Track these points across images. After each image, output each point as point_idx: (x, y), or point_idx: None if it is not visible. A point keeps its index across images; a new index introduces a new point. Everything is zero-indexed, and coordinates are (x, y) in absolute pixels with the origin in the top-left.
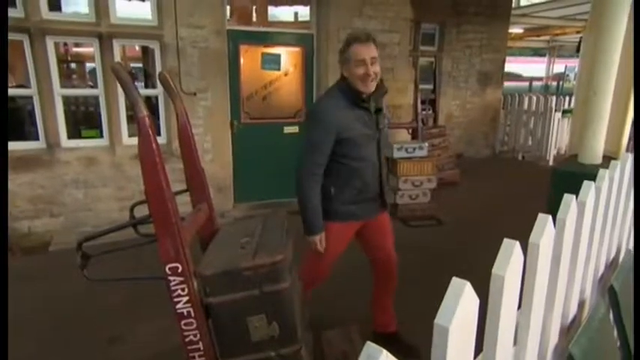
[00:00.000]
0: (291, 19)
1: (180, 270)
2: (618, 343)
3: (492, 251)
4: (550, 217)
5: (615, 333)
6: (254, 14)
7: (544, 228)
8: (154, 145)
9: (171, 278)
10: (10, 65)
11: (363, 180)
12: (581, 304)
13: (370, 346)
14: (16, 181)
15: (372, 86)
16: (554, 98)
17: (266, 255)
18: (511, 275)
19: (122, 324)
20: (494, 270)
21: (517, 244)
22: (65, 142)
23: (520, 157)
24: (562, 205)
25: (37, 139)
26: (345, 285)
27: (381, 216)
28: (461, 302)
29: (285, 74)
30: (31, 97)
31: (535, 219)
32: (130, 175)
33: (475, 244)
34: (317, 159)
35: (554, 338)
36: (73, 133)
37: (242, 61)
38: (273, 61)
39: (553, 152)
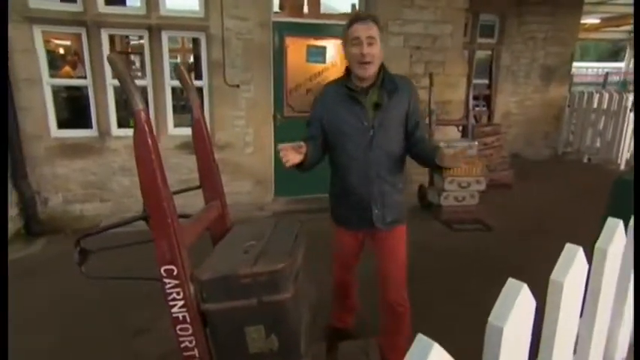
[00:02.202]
0: (348, 10)
1: (175, 273)
2: None
3: (542, 263)
4: (580, 250)
5: None
6: (305, 6)
7: (571, 263)
8: (149, 141)
9: (166, 281)
10: (80, 56)
11: (347, 178)
12: (632, 348)
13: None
14: (70, 167)
15: (369, 70)
16: (630, 96)
17: (267, 263)
18: (571, 283)
19: (148, 313)
20: (553, 277)
21: (580, 250)
22: (115, 130)
23: (586, 160)
24: (604, 231)
25: (90, 127)
26: (369, 293)
27: (383, 236)
28: (517, 303)
29: (332, 66)
30: (86, 87)
31: (598, 229)
32: (172, 164)
33: (524, 253)
34: (308, 131)
35: None
36: (122, 122)
37: (287, 53)
38: (318, 54)
39: (626, 156)
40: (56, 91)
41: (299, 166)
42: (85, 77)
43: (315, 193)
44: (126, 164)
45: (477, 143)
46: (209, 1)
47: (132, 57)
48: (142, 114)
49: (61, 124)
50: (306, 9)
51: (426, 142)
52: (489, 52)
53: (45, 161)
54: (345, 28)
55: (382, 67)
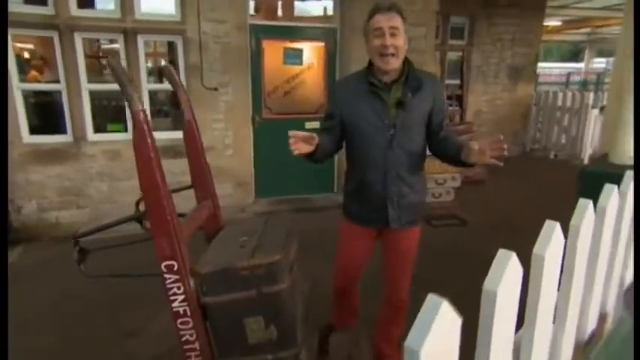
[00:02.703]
0: (321, 13)
1: (175, 268)
2: None
3: (518, 255)
4: (558, 225)
5: None
6: (279, 9)
7: (550, 237)
8: (149, 140)
9: (166, 276)
10: (47, 60)
11: (365, 176)
12: (602, 319)
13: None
14: (44, 173)
15: (392, 63)
16: (591, 94)
17: (263, 255)
18: (551, 256)
19: (140, 316)
20: (535, 250)
21: (558, 225)
22: (91, 135)
23: (552, 156)
24: (576, 210)
25: (64, 132)
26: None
27: (398, 235)
28: (507, 269)
29: (308, 69)
30: (60, 92)
31: (566, 221)
32: None
33: (498, 246)
34: (326, 124)
35: (567, 354)
36: (99, 127)
37: (264, 55)
38: (295, 56)
39: (588, 151)
40: (25, 96)
41: (309, 156)
42: (58, 82)
43: (295, 194)
44: (104, 170)
45: None
46: (185, 5)
47: (103, 61)
48: (141, 114)
49: (34, 130)
50: (280, 12)
51: (450, 140)
52: (460, 54)
53: (18, 168)
54: (365, 20)
55: (407, 62)
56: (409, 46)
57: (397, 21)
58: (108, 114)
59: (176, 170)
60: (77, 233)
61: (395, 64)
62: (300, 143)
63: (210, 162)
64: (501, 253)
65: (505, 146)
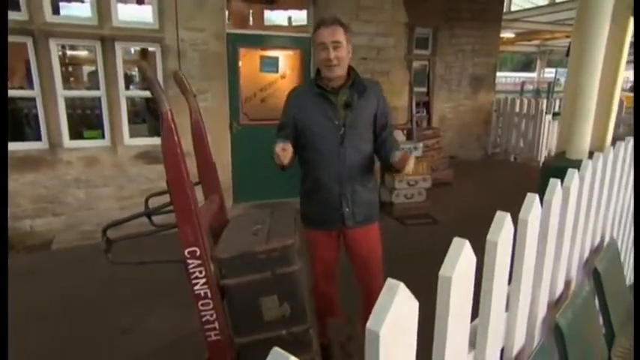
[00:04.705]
0: (285, 23)
1: (198, 253)
2: (601, 320)
3: (482, 248)
4: (537, 196)
5: (597, 310)
6: (250, 18)
7: (532, 206)
8: (175, 138)
9: (189, 261)
10: (10, 67)
11: (319, 176)
12: (567, 284)
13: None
14: (19, 181)
15: (335, 71)
16: (544, 101)
17: (278, 240)
18: (503, 242)
19: (130, 317)
20: (489, 237)
21: (508, 215)
22: (67, 142)
23: (512, 159)
24: (548, 188)
25: (39, 139)
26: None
27: (355, 234)
28: (461, 257)
29: (283, 77)
30: (33, 99)
31: None
32: (131, 174)
33: (468, 241)
34: (280, 135)
35: (542, 310)
36: (75, 134)
37: (241, 63)
38: (272, 64)
39: (544, 153)
40: None
41: (282, 166)
42: (22, 88)
43: (273, 199)
44: (81, 177)
45: (422, 144)
46: (164, 14)
47: (70, 68)
48: (169, 114)
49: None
50: (251, 21)
51: (388, 143)
52: (425, 63)
53: None
54: (312, 33)
55: (352, 70)
56: (379, 55)
57: (339, 34)
58: (81, 121)
59: (152, 176)
60: (105, 225)
61: (338, 72)
62: (284, 154)
63: (190, 168)
64: (455, 241)
65: (412, 160)
